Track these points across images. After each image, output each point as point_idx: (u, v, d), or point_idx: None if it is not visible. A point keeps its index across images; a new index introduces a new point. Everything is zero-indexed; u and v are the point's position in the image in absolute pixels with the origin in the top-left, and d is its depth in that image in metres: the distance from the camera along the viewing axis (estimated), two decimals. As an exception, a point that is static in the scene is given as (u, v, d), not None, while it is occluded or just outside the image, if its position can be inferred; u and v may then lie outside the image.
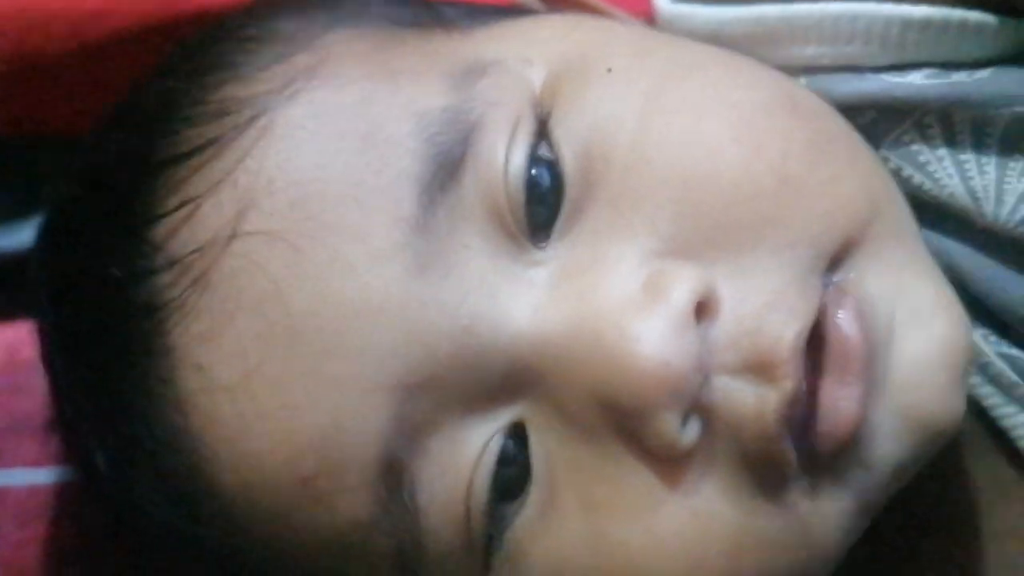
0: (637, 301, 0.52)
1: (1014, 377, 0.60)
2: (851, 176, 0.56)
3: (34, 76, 0.69)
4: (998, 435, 0.61)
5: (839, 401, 0.52)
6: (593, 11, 0.66)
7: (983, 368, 0.60)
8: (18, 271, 0.69)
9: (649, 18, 0.67)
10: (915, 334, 0.54)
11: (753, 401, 0.51)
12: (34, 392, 0.70)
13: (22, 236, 0.72)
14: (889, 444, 0.54)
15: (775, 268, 0.53)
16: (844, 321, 0.53)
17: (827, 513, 0.54)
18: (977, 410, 0.60)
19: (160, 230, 0.55)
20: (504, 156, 0.54)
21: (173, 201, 0.55)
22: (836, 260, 0.54)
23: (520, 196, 0.54)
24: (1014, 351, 0.60)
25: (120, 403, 0.56)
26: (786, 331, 0.51)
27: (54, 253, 0.61)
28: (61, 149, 0.69)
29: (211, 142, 0.55)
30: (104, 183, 0.58)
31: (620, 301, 0.52)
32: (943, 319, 0.55)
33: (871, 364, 0.53)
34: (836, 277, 0.54)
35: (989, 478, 0.62)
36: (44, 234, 0.63)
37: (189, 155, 0.55)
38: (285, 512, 0.54)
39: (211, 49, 0.59)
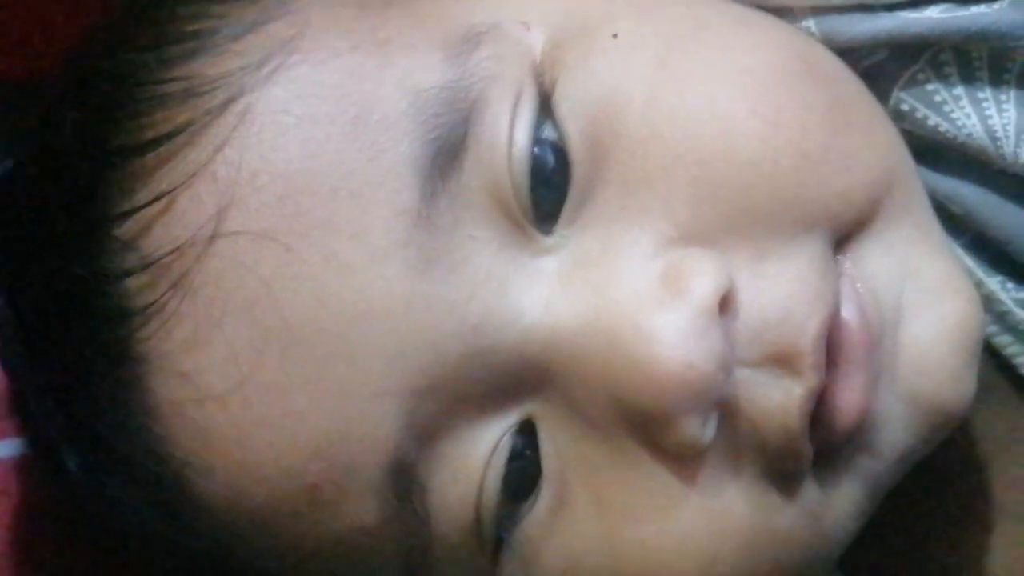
0: (655, 295, 0.49)
1: None
2: (869, 148, 0.53)
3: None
4: (1018, 381, 0.59)
5: (844, 391, 0.50)
6: None
7: (1002, 317, 0.58)
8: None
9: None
10: (924, 316, 0.52)
11: (778, 396, 0.49)
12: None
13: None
14: (898, 430, 0.52)
15: (794, 253, 0.50)
16: (846, 310, 0.51)
17: (837, 502, 0.53)
18: (995, 357, 0.59)
19: (130, 226, 0.51)
20: (507, 136, 0.50)
21: (143, 195, 0.50)
22: (845, 237, 0.52)
23: (525, 180, 0.51)
24: None
25: (92, 412, 0.53)
26: (810, 321, 0.49)
27: (7, 238, 0.56)
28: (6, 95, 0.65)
29: (182, 128, 0.50)
30: (60, 167, 0.53)
31: (637, 295, 0.49)
32: (953, 299, 0.53)
33: (874, 352, 0.51)
34: (839, 259, 0.52)
35: (1007, 425, 0.60)
36: None
37: (157, 142, 0.50)
38: (289, 520, 0.51)
39: (173, 11, 0.54)
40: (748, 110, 0.51)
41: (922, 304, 0.52)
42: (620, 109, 0.51)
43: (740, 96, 0.51)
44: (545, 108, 0.52)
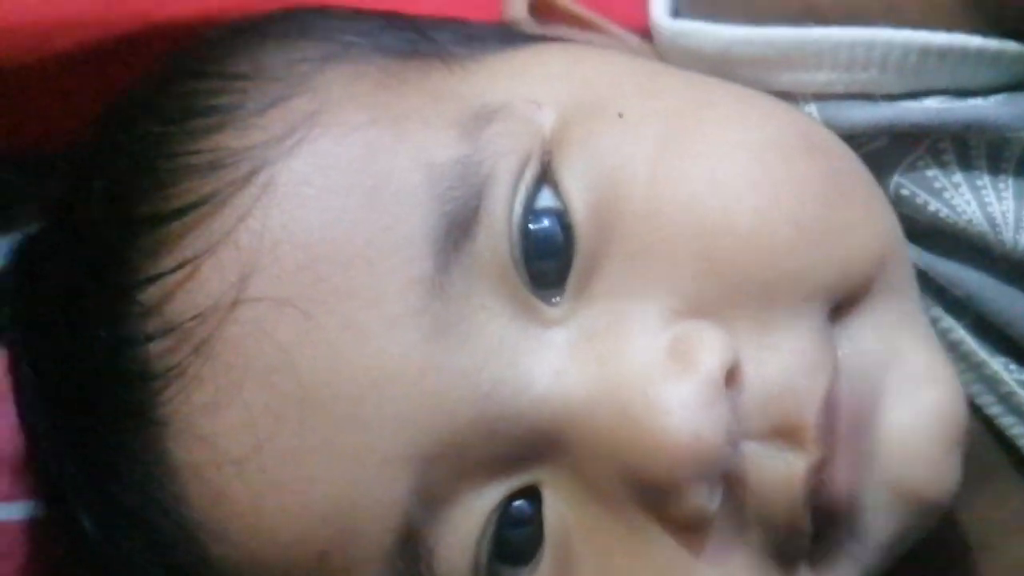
0: (663, 368, 0.50)
1: None
2: (865, 221, 0.54)
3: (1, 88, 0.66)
4: (1021, 463, 0.60)
5: (837, 469, 0.51)
6: (587, 26, 0.64)
7: (1005, 398, 0.59)
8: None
9: (644, 30, 0.64)
10: (905, 403, 0.53)
11: (783, 468, 0.50)
12: (2, 425, 0.66)
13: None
14: (881, 516, 0.53)
15: (794, 324, 0.51)
16: (836, 388, 0.51)
17: None
18: (999, 439, 0.60)
19: (154, 292, 0.51)
20: (508, 209, 0.51)
21: (168, 262, 0.51)
22: (837, 311, 0.53)
23: (518, 251, 0.52)
24: None
25: (110, 473, 0.53)
26: (812, 395, 0.50)
27: (33, 301, 0.58)
28: (32, 166, 0.66)
29: (207, 198, 0.51)
30: (87, 234, 0.54)
31: (645, 368, 0.50)
32: (934, 389, 0.53)
33: (862, 432, 0.52)
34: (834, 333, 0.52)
35: (1013, 508, 0.61)
36: (20, 274, 0.60)
37: (183, 211, 0.51)
38: None
39: (197, 87, 0.55)
40: (747, 184, 0.52)
41: (902, 392, 0.52)
42: (624, 185, 0.52)
43: (740, 171, 0.52)
44: (551, 180, 0.53)
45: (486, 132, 0.52)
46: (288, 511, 0.50)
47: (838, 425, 0.51)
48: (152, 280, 0.51)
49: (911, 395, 0.53)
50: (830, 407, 0.50)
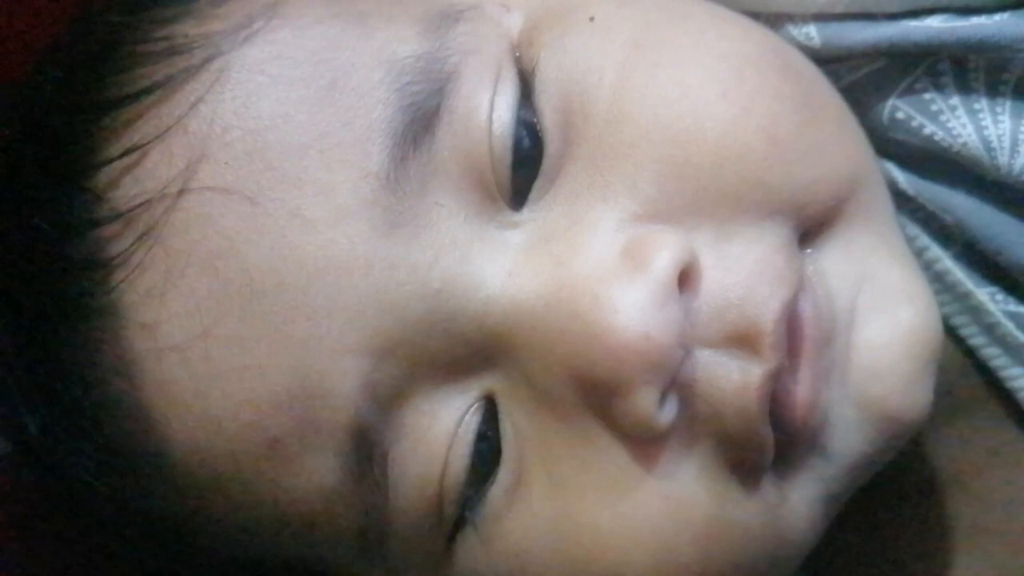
0: (616, 269, 0.49)
1: (1022, 337, 0.57)
2: (837, 145, 0.53)
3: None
4: (1004, 395, 0.59)
5: (792, 384, 0.50)
6: None
7: (990, 328, 0.58)
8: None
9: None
10: (878, 320, 0.52)
11: (737, 376, 0.49)
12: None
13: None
14: (850, 434, 0.52)
15: (759, 236, 0.50)
16: (800, 304, 0.50)
17: (793, 502, 0.52)
18: (981, 370, 0.58)
19: (101, 178, 0.51)
20: (487, 112, 0.51)
21: (116, 148, 0.51)
22: (807, 235, 0.52)
23: (507, 156, 0.51)
24: (1022, 309, 0.58)
25: (54, 364, 0.53)
26: (771, 302, 0.49)
27: None
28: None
29: (159, 84, 0.51)
30: (38, 124, 0.54)
31: (598, 268, 0.49)
32: (909, 307, 0.53)
33: (824, 348, 0.51)
34: (801, 253, 0.52)
35: (990, 441, 0.60)
36: None
37: (134, 97, 0.51)
38: (248, 477, 0.51)
39: None
40: (719, 93, 0.51)
41: (876, 309, 0.52)
42: (591, 88, 0.51)
43: (712, 80, 0.52)
44: (524, 87, 0.52)
45: (452, 31, 0.52)
46: (236, 398, 0.50)
47: (801, 339, 0.50)
48: (99, 166, 0.51)
49: (884, 313, 0.52)
50: (793, 319, 0.50)
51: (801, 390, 0.50)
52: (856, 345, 0.52)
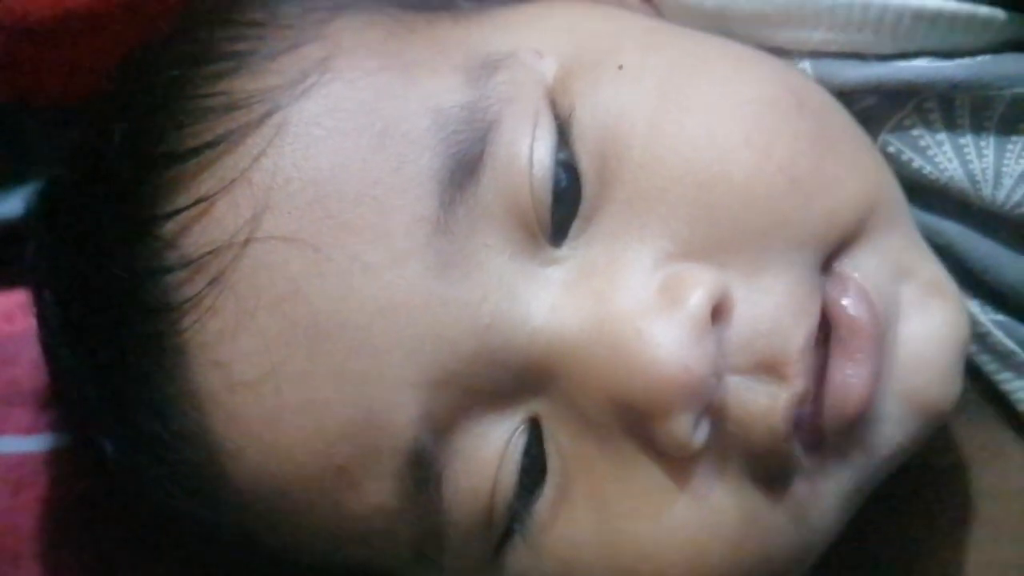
0: (654, 305, 0.52)
1: (1011, 345, 0.61)
2: (854, 172, 0.57)
3: (21, 41, 0.67)
4: (997, 398, 0.63)
5: (849, 379, 0.53)
6: None
7: (982, 338, 0.62)
8: (8, 240, 0.68)
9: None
10: (919, 314, 0.56)
11: (764, 400, 0.52)
12: (24, 362, 0.69)
13: (12, 204, 0.70)
14: (891, 427, 0.56)
15: (784, 269, 0.54)
16: (850, 305, 0.54)
17: (824, 496, 0.56)
18: (974, 373, 0.62)
19: (171, 227, 0.54)
20: (528, 156, 0.54)
21: (184, 198, 0.54)
22: (834, 252, 0.55)
23: (547, 196, 0.54)
24: (1002, 317, 0.62)
25: (131, 399, 0.56)
26: (797, 332, 0.53)
27: (55, 239, 0.60)
28: (52, 117, 0.68)
29: (222, 138, 0.54)
30: (107, 172, 0.57)
31: (638, 304, 0.53)
32: (944, 299, 0.57)
33: (881, 343, 0.54)
34: (835, 266, 0.55)
35: (984, 439, 0.64)
36: (43, 214, 0.62)
37: (199, 151, 0.54)
38: (315, 499, 0.55)
39: (214, 33, 0.58)
40: (742, 140, 0.55)
41: (916, 303, 0.56)
42: (624, 135, 0.55)
43: (735, 127, 0.55)
44: (562, 130, 0.55)
45: (491, 80, 0.55)
46: (303, 430, 0.53)
47: (858, 341, 0.53)
48: (169, 216, 0.54)
49: (924, 306, 0.56)
50: (848, 320, 0.53)
51: (859, 385, 0.53)
52: (900, 340, 0.55)
